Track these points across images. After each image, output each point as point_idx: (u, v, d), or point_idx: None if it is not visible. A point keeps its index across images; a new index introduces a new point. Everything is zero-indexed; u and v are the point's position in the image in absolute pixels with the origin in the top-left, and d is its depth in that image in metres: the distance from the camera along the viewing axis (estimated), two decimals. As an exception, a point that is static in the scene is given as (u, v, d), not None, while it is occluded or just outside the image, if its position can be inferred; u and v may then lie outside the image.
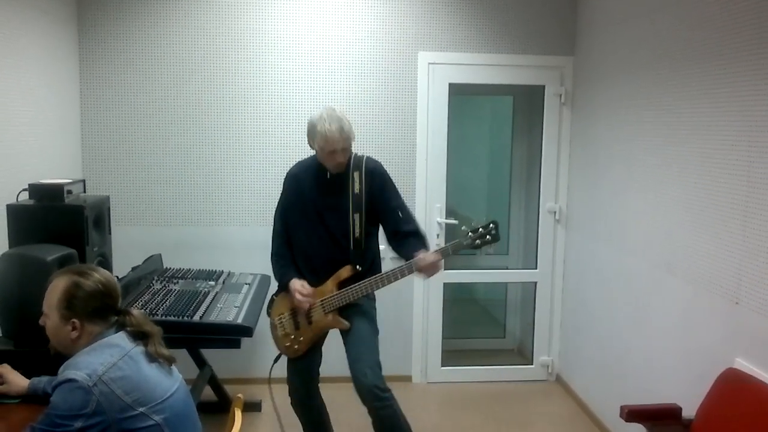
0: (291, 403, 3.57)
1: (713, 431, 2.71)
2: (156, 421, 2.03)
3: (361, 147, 4.75)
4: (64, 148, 4.32)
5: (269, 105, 4.68)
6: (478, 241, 3.08)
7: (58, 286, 2.14)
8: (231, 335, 3.36)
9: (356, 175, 3.25)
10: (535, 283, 5.08)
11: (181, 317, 3.34)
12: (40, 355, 2.44)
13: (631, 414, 2.86)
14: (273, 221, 3.48)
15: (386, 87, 4.74)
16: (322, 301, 3.28)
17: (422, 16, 4.71)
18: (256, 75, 4.65)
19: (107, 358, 2.02)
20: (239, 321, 3.37)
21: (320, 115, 3.15)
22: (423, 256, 3.07)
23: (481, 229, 3.09)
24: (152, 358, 2.13)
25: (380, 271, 3.36)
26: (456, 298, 5.61)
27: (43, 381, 2.49)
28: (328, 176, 3.28)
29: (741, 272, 2.84)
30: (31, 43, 3.82)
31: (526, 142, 5.38)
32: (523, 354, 5.53)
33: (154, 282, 3.91)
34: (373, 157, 3.37)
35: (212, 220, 4.73)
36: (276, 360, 3.54)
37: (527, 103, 5.35)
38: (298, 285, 3.27)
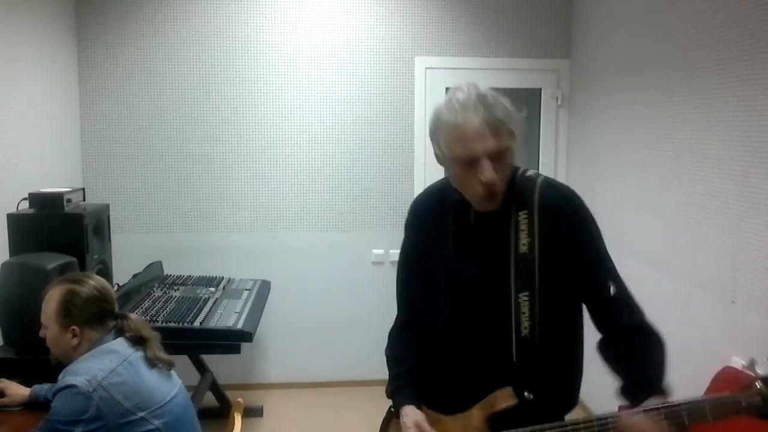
0: None
1: (710, 430, 2.71)
2: (156, 425, 2.06)
3: (358, 153, 4.83)
4: (64, 157, 4.35)
5: (267, 111, 4.70)
6: None
7: (54, 297, 2.17)
8: (231, 341, 3.37)
9: (522, 218, 1.76)
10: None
11: (181, 323, 3.36)
12: (42, 363, 2.45)
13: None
14: (397, 280, 2.06)
15: (384, 92, 4.76)
16: None
17: (419, 21, 4.73)
18: (253, 81, 4.67)
19: (107, 364, 2.04)
20: (239, 326, 3.39)
21: (451, 95, 1.74)
22: (633, 420, 1.57)
23: None
24: (151, 363, 2.15)
25: (578, 396, 1.94)
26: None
27: (44, 388, 2.51)
28: (472, 218, 1.81)
29: (737, 271, 2.85)
30: (30, 52, 3.85)
31: (524, 145, 5.40)
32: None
33: (154, 289, 3.93)
34: (555, 180, 1.89)
35: (212, 226, 4.75)
36: None
37: (524, 106, 5.36)
38: (409, 419, 1.80)
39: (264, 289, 4.20)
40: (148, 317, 3.37)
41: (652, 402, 1.61)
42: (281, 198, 4.76)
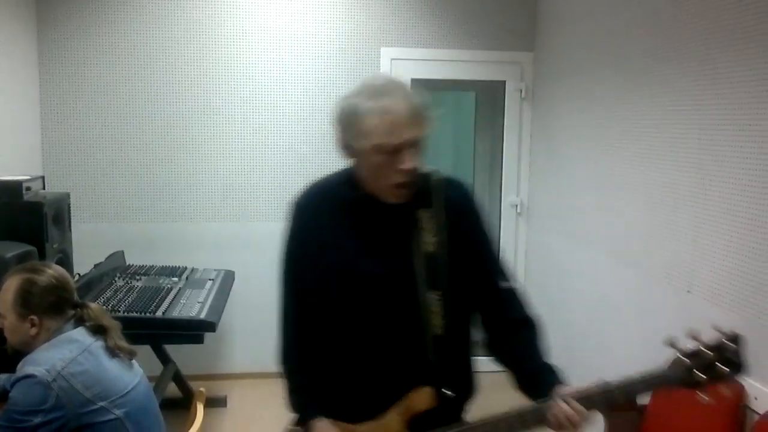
0: None
1: (665, 417, 2.79)
2: (117, 415, 2.05)
3: (323, 143, 4.81)
4: (23, 145, 4.27)
5: (230, 100, 4.66)
6: (702, 378, 1.53)
7: (11, 286, 2.14)
8: (194, 330, 3.37)
9: (426, 217, 1.71)
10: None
11: (143, 313, 3.34)
12: (-1, 353, 2.43)
13: (588, 401, 2.92)
14: (280, 290, 1.91)
15: (349, 82, 4.68)
16: None
17: (385, 11, 4.73)
18: (216, 70, 4.63)
19: (66, 354, 2.02)
20: (202, 316, 3.38)
21: (366, 84, 1.69)
22: (565, 403, 1.57)
23: (710, 353, 1.56)
24: (112, 352, 2.14)
25: (476, 389, 1.89)
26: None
27: (2, 378, 2.47)
28: (372, 215, 1.74)
29: (693, 261, 2.92)
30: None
31: (489, 137, 5.45)
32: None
33: (116, 279, 3.89)
34: (452, 176, 1.85)
35: (175, 216, 4.71)
36: None
37: (489, 98, 5.40)
38: None
39: (228, 279, 4.19)
40: (110, 307, 3.35)
41: (564, 389, 1.62)
42: (245, 188, 4.74)
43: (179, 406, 4.15)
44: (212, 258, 4.59)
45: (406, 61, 4.79)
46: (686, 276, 2.97)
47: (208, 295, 3.72)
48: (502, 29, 4.85)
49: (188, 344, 3.51)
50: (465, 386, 1.81)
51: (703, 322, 2.81)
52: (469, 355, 1.84)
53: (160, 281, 3.91)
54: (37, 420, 1.93)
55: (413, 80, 4.82)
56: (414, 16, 4.77)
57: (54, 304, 2.13)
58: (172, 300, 3.57)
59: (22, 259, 2.91)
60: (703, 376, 1.52)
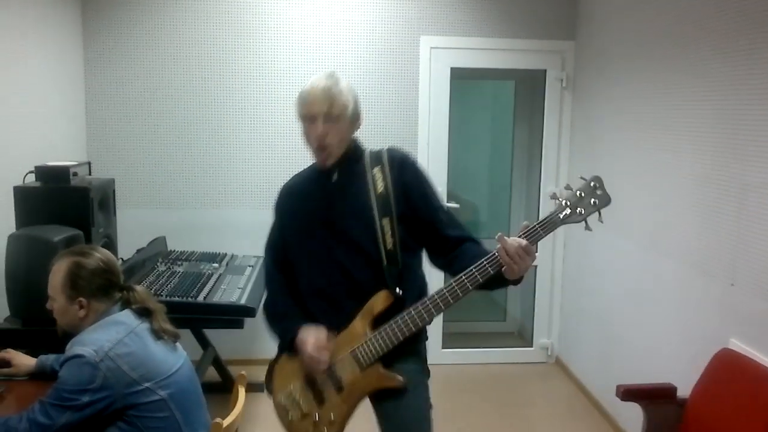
0: None
1: (707, 410, 2.76)
2: (161, 396, 2.09)
3: (361, 133, 4.82)
4: (69, 131, 4.36)
5: (271, 88, 4.70)
6: (580, 210, 2.09)
7: (60, 269, 2.20)
8: (234, 316, 3.41)
9: (377, 171, 2.35)
10: (536, 266, 5.12)
11: (185, 298, 3.40)
12: (48, 334, 2.49)
13: (627, 393, 2.90)
14: (266, 252, 2.56)
15: (388, 71, 4.76)
16: (353, 351, 2.23)
17: (424, 0, 4.72)
18: (257, 59, 4.67)
19: (113, 335, 2.07)
20: (242, 302, 3.43)
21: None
22: (511, 240, 2.05)
23: (580, 194, 2.10)
24: (157, 334, 2.19)
25: (423, 291, 2.43)
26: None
27: (50, 358, 2.55)
28: (335, 179, 2.36)
29: (736, 254, 2.88)
30: (35, 27, 3.85)
31: (528, 126, 5.41)
32: (523, 337, 5.59)
33: (158, 264, 3.96)
34: (398, 147, 2.47)
35: (216, 202, 4.77)
36: None
37: (529, 87, 5.36)
38: (310, 334, 2.26)
39: (267, 265, 4.23)
40: (152, 291, 3.41)
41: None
42: (285, 175, 4.75)
43: (218, 390, 4.21)
44: (252, 244, 4.63)
45: (446, 50, 4.77)
46: (729, 268, 2.92)
47: (248, 281, 3.77)
48: (543, 18, 4.80)
49: (228, 329, 3.55)
50: (412, 287, 2.34)
51: (747, 315, 2.78)
52: (414, 265, 2.41)
53: (201, 267, 3.97)
54: (85, 399, 1.98)
55: (453, 69, 4.81)
56: (454, 5, 4.74)
57: (101, 287, 2.19)
58: (213, 285, 3.63)
59: (69, 242, 2.98)
60: (583, 210, 2.09)
